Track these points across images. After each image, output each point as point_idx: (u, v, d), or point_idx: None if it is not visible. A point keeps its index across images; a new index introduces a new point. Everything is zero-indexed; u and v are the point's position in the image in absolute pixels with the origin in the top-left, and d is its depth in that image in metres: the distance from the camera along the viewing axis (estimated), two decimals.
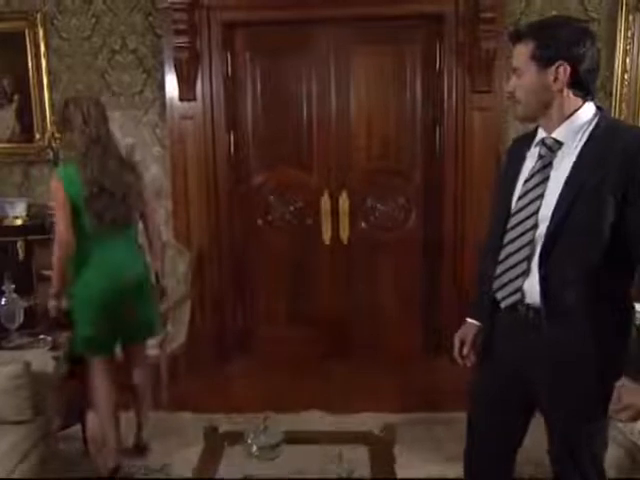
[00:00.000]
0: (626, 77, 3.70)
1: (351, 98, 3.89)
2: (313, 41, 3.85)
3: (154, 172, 3.94)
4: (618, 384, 1.50)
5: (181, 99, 3.74)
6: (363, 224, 4.03)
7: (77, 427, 2.82)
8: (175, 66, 3.66)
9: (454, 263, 3.83)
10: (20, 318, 2.76)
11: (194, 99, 3.75)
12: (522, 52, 1.59)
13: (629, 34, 3.66)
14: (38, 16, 3.80)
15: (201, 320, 3.88)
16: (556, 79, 1.55)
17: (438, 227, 3.90)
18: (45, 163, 3.88)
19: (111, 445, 2.63)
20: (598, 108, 1.62)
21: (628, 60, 3.68)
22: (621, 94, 3.72)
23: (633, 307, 1.63)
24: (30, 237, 3.67)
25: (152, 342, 3.20)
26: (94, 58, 3.86)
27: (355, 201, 3.98)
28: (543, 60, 1.55)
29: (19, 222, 3.76)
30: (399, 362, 3.84)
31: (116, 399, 2.66)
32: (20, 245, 3.64)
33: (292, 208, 4.02)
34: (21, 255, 3.64)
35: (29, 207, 3.83)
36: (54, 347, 2.63)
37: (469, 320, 1.92)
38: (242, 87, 3.90)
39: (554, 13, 3.76)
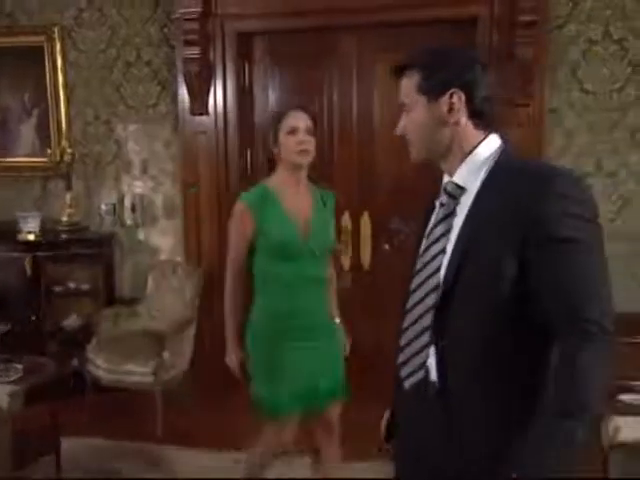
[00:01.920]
0: None
1: (375, 111, 3.60)
2: (335, 50, 3.60)
3: (167, 188, 3.80)
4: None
5: (193, 113, 3.57)
6: (386, 247, 3.70)
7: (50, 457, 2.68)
8: (185, 78, 3.50)
9: None
10: None
11: (206, 113, 3.57)
12: (407, 86, 1.32)
13: None
14: (56, 30, 3.75)
15: (210, 346, 3.67)
16: (451, 109, 1.28)
17: None
18: (60, 177, 3.82)
19: None
20: (503, 141, 1.31)
21: None
22: None
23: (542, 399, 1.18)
24: (40, 253, 3.60)
25: None
26: (109, 71, 3.77)
27: (378, 222, 3.66)
28: (433, 90, 1.29)
29: (31, 237, 3.69)
30: None
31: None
32: (27, 261, 3.56)
33: None
34: (28, 271, 3.57)
35: (43, 222, 3.76)
36: (20, 378, 2.48)
37: None
38: (259, 100, 3.69)
39: (608, 13, 3.33)
